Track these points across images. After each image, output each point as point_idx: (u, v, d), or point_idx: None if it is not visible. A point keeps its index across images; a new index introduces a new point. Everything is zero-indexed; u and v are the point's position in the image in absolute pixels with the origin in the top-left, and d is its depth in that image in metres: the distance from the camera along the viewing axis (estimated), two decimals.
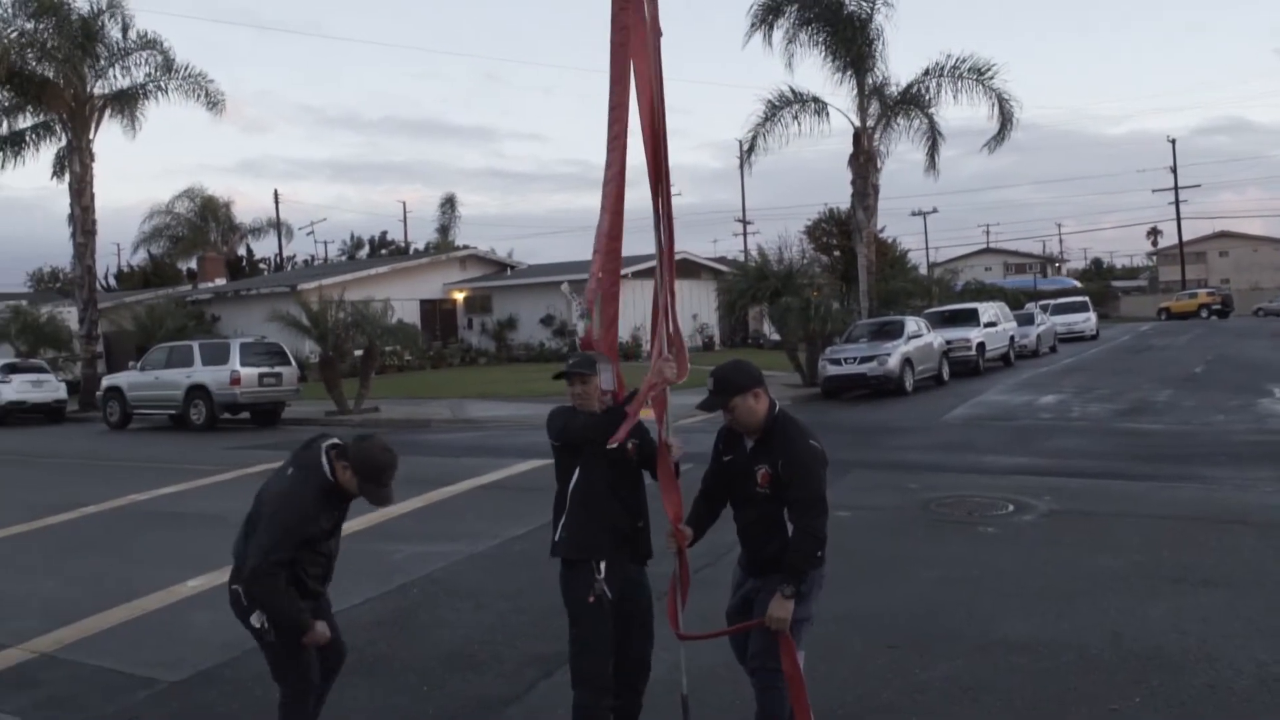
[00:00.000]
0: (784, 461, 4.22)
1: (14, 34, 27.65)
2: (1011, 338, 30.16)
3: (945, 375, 24.74)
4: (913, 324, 24.53)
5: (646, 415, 4.59)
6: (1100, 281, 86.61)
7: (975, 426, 16.77)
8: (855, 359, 22.44)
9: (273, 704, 5.46)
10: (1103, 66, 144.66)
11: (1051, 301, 46.01)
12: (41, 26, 28.24)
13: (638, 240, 4.99)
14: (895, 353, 22.41)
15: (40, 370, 27.73)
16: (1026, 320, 34.00)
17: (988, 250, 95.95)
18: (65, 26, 28.38)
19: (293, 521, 4.19)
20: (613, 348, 4.72)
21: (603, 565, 4.30)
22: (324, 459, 4.30)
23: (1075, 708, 4.93)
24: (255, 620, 4.27)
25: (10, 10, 27.88)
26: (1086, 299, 46.85)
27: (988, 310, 29.65)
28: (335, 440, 4.41)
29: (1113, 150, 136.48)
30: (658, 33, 4.66)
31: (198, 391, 22.34)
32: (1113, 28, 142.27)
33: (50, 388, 26.98)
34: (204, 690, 5.81)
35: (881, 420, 18.32)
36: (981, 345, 27.25)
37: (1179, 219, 69.21)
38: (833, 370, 22.64)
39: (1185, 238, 72.08)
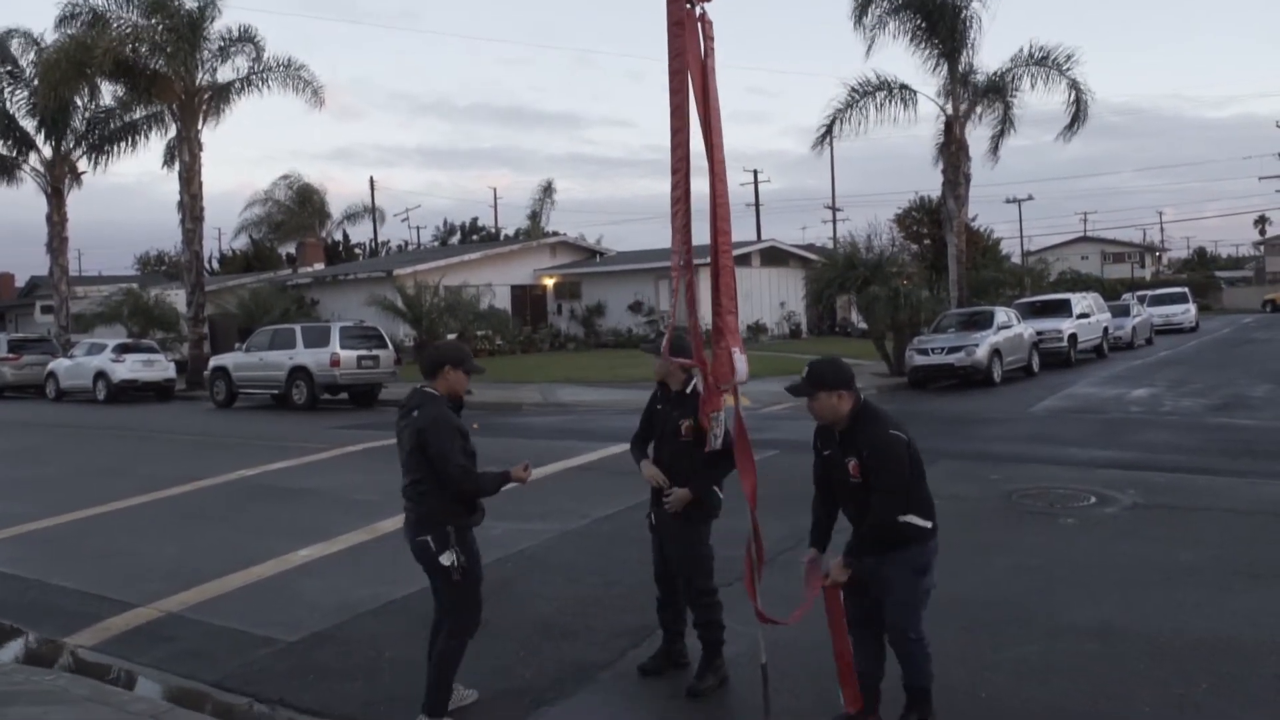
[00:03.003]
0: (868, 451, 4.52)
1: (127, 29, 28.94)
2: (1105, 329, 29.66)
3: (1035, 367, 24.50)
4: (1002, 314, 24.34)
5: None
6: (1203, 271, 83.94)
7: (1062, 419, 16.69)
8: (943, 349, 22.39)
9: (377, 663, 5.95)
10: (1205, 47, 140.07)
11: (1149, 293, 44.96)
12: (154, 22, 29.50)
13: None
14: (984, 343, 22.30)
15: (151, 350, 29.07)
16: (1122, 312, 33.37)
17: (1084, 239, 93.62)
18: (175, 21, 29.57)
19: (452, 429, 4.86)
20: (700, 357, 5.12)
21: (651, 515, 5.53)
22: (428, 390, 5.01)
23: (1142, 692, 5.12)
24: (446, 559, 4.85)
25: (126, 6, 29.22)
26: (1186, 290, 45.63)
27: (1081, 301, 29.21)
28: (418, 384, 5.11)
29: (1217, 134, 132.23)
30: (711, 51, 4.96)
31: (300, 373, 23.26)
32: (1217, 6, 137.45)
33: (160, 367, 28.28)
34: (319, 649, 6.31)
35: (967, 411, 18.31)
36: (1073, 337, 26.89)
37: None
38: (920, 360, 22.62)
39: None
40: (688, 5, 4.86)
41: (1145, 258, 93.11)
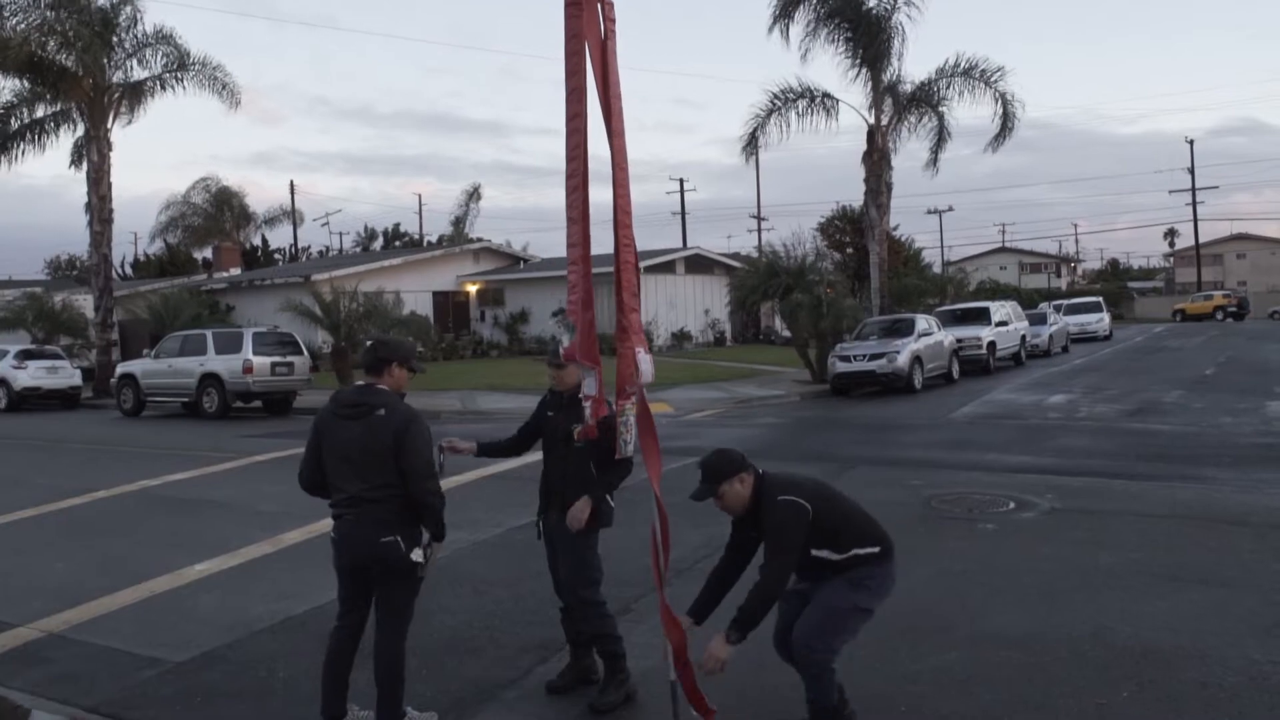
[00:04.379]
0: (767, 529, 4.40)
1: (36, 22, 27.86)
2: (1023, 337, 30.12)
3: (955, 374, 24.75)
4: (923, 322, 24.55)
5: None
6: (1116, 282, 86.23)
7: (981, 425, 16.80)
8: (865, 356, 22.48)
9: (270, 684, 5.59)
10: (1115, 66, 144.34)
11: (1065, 302, 45.92)
12: (63, 15, 28.45)
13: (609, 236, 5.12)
14: (905, 350, 22.44)
15: (56, 357, 28.00)
16: (1039, 320, 33.94)
17: (1003, 249, 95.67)
18: (85, 16, 28.57)
19: (429, 434, 4.72)
20: (593, 355, 4.87)
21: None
22: (382, 387, 4.77)
23: (1063, 701, 4.99)
24: (417, 555, 4.66)
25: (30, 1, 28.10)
26: (1100, 300, 46.74)
27: (999, 309, 29.63)
28: (360, 381, 4.89)
29: (1127, 150, 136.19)
30: (612, 33, 4.75)
31: (211, 380, 22.53)
32: (1125, 27, 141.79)
33: (65, 374, 27.25)
34: (208, 670, 5.92)
35: (889, 417, 18.36)
36: (992, 344, 27.22)
37: (1195, 220, 68.94)
38: (842, 367, 22.69)
39: (1202, 239, 71.76)
40: None
41: (1061, 268, 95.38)
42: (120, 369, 25.30)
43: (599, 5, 4.71)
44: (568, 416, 5.16)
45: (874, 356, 22.33)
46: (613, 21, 4.74)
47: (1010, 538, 8.56)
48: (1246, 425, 15.25)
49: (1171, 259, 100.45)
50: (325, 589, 4.82)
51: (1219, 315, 58.18)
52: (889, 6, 28.41)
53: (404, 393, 4.91)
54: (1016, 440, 14.69)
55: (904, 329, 23.71)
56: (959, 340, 25.70)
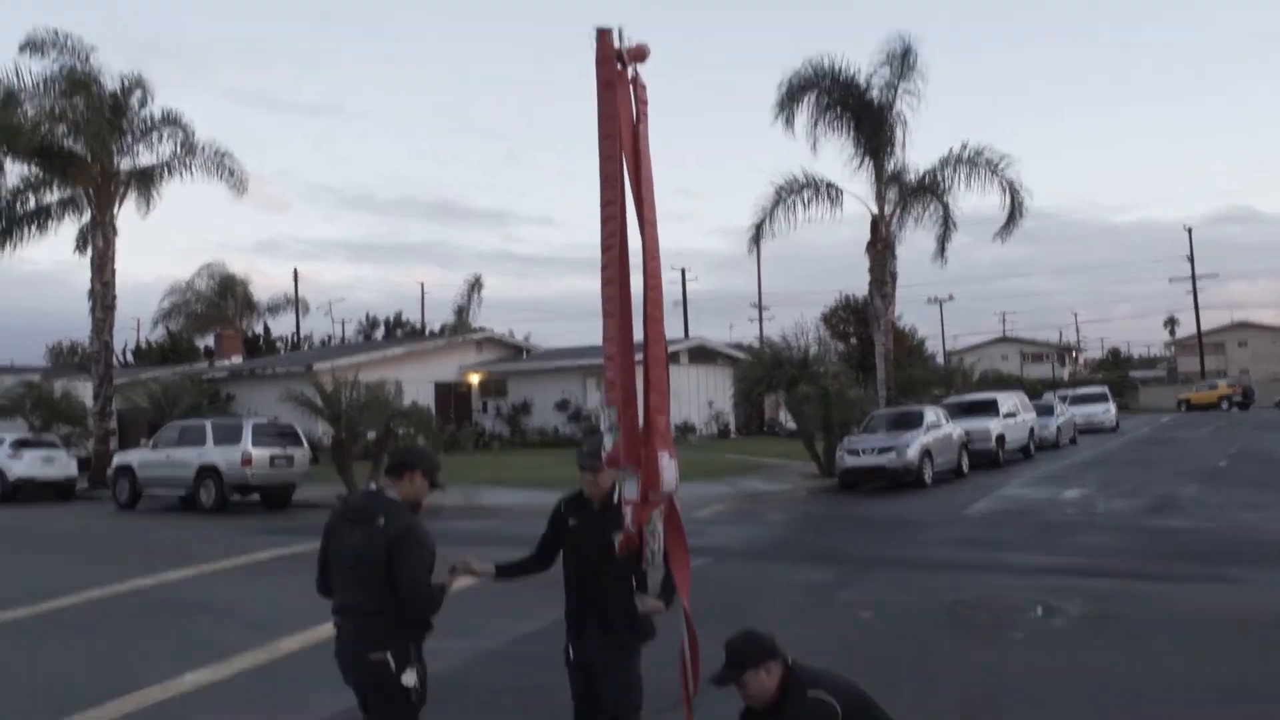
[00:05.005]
0: None
1: (47, 109, 28.12)
2: (1031, 429, 29.79)
3: (965, 467, 24.36)
4: (931, 414, 24.26)
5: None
6: (1118, 371, 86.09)
7: (998, 522, 16.41)
8: (873, 450, 22.12)
9: None
10: (1108, 155, 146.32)
11: (1070, 392, 45.67)
12: (74, 102, 28.71)
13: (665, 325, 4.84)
14: (914, 444, 22.10)
15: (52, 446, 27.63)
16: (1046, 411, 33.65)
17: (1004, 339, 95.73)
18: (96, 103, 28.84)
19: (427, 547, 4.40)
20: (636, 457, 4.51)
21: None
22: (390, 495, 4.53)
23: None
24: (409, 679, 4.34)
25: (43, 86, 28.39)
26: (1105, 390, 46.47)
27: (1007, 400, 29.35)
28: (373, 485, 4.70)
29: (1123, 239, 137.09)
30: (644, 116, 4.58)
31: (208, 472, 22.14)
32: (1116, 117, 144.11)
33: (61, 464, 26.85)
34: None
35: (901, 514, 17.96)
36: (1001, 437, 26.91)
37: (1197, 309, 69.02)
38: (851, 461, 22.32)
39: (1203, 327, 71.78)
40: (619, 66, 4.46)
41: (1064, 357, 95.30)
42: (117, 460, 24.92)
43: (632, 87, 4.52)
44: (599, 525, 4.73)
45: (883, 450, 21.98)
46: (645, 104, 4.56)
47: (1042, 649, 8.16)
48: (1268, 521, 14.88)
49: (1173, 347, 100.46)
50: (321, 706, 4.45)
51: (1224, 405, 57.82)
52: (890, 97, 28.72)
53: (419, 502, 4.64)
54: (1035, 539, 14.30)
55: (912, 421, 23.40)
56: (968, 433, 25.36)
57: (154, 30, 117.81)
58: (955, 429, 24.66)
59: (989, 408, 28.16)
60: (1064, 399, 40.16)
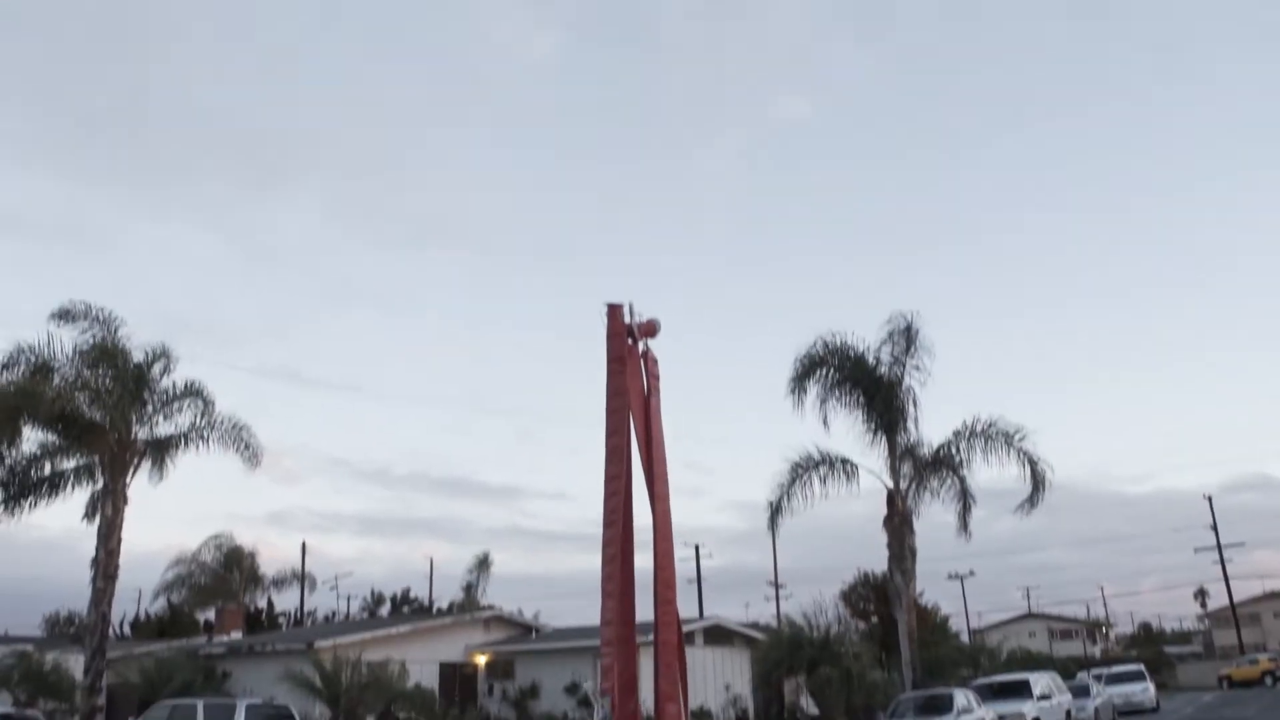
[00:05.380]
0: None
1: (72, 379, 28.53)
2: (1068, 712, 28.11)
3: None
4: (961, 698, 22.95)
5: None
6: (1152, 647, 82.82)
7: None
8: None
9: None
10: (1117, 424, 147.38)
11: (1105, 670, 43.62)
12: (98, 373, 29.18)
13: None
14: None
15: None
16: (1081, 691, 31.92)
17: (1030, 615, 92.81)
18: (121, 374, 29.29)
19: None
20: None
21: None
22: None
23: None
24: None
25: (72, 356, 28.96)
26: (1142, 667, 44.36)
27: (1040, 681, 27.84)
28: None
29: (1140, 509, 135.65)
30: (656, 390, 4.36)
31: None
32: (1125, 387, 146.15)
33: None
34: None
35: None
36: None
37: (1227, 580, 67.05)
38: None
39: (1235, 598, 69.53)
40: (629, 341, 4.28)
41: (1094, 634, 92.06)
42: None
43: (642, 361, 4.33)
44: None
45: None
46: (657, 379, 4.35)
47: None
48: None
49: (1206, 620, 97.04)
50: None
51: (1268, 680, 55.17)
52: (899, 373, 29.01)
53: None
54: None
55: (942, 706, 22.10)
56: (1001, 717, 23.89)
57: (185, 308, 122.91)
58: (988, 713, 23.26)
59: (1021, 689, 26.67)
60: (1099, 678, 38.25)
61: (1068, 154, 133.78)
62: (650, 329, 4.42)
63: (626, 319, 4.39)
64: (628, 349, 4.36)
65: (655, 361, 4.44)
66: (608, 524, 4.17)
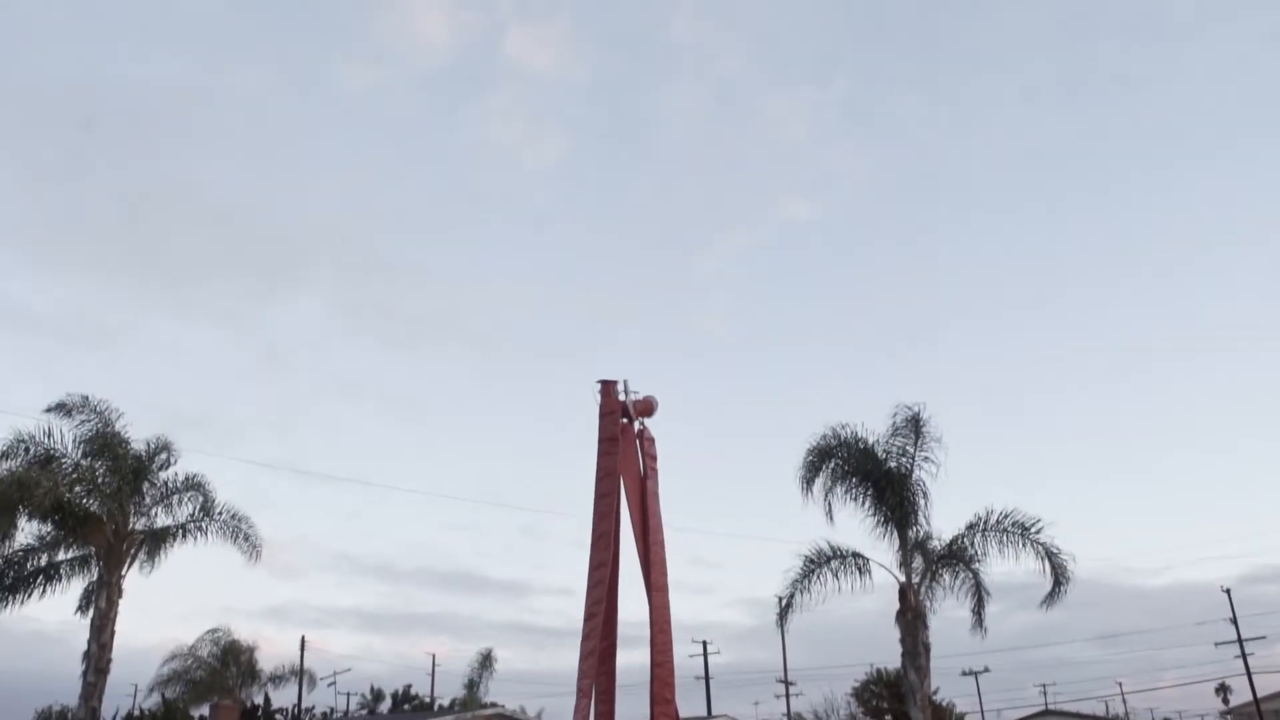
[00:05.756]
0: None
1: (70, 470, 28.19)
2: None
3: None
4: None
5: None
6: None
7: None
8: None
9: None
10: (1132, 518, 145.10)
11: None
12: (97, 464, 28.88)
13: None
14: None
15: None
16: None
17: (1047, 712, 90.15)
18: (119, 465, 28.99)
19: None
20: None
21: None
22: None
23: None
24: None
25: (71, 448, 28.68)
26: None
27: None
28: None
29: (1157, 603, 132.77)
30: (653, 473, 4.00)
31: None
32: (1138, 481, 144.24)
33: None
34: None
35: None
36: None
37: (1249, 674, 65.04)
38: None
39: (1259, 693, 67.39)
40: (624, 420, 3.93)
41: None
42: None
43: (637, 441, 3.98)
44: None
45: None
46: (654, 459, 4.01)
47: None
48: None
49: (1229, 716, 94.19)
50: None
51: None
52: (908, 465, 28.50)
53: None
54: None
55: None
56: None
57: (189, 402, 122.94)
58: None
59: None
60: None
61: (1058, 240, 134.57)
62: (647, 407, 4.10)
63: (621, 396, 4.05)
64: (621, 428, 4.02)
65: (652, 441, 4.09)
66: (588, 616, 3.80)
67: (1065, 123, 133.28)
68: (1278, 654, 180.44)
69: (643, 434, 3.65)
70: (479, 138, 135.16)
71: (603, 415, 3.61)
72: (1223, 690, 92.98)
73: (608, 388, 3.65)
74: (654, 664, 3.40)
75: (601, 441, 3.55)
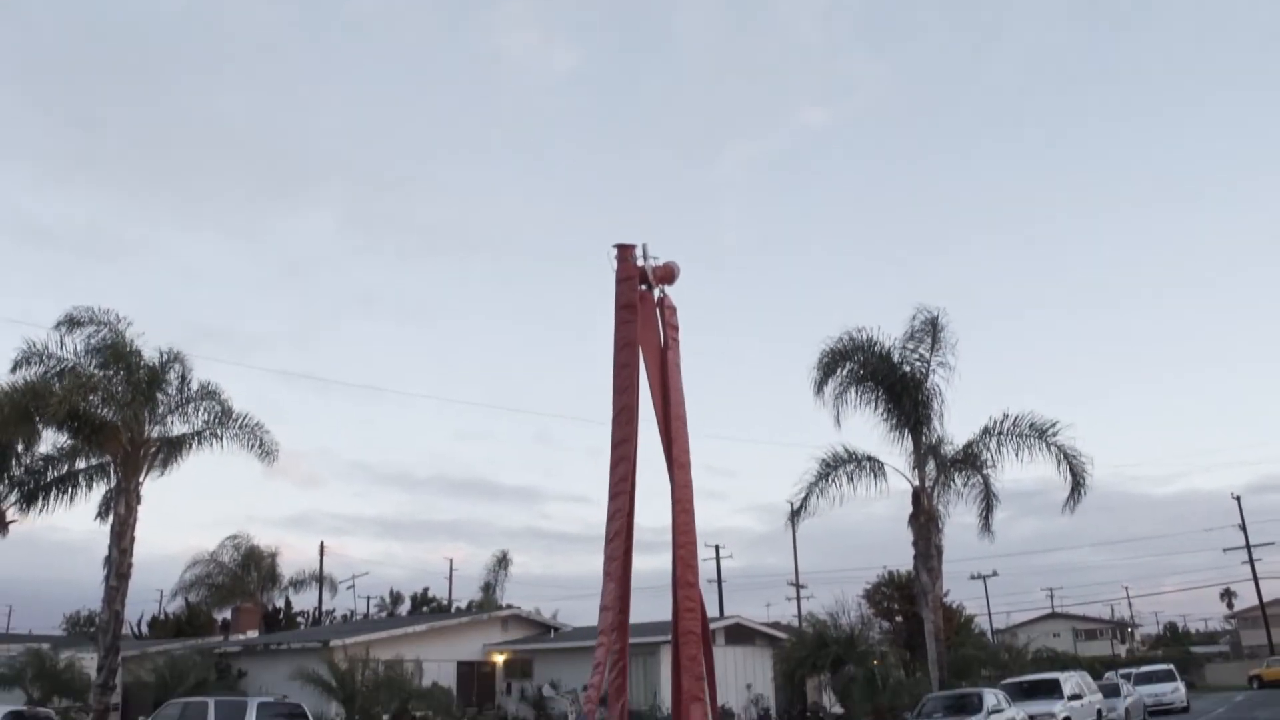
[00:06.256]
0: None
1: (83, 379, 28.21)
2: (1099, 712, 27.37)
3: None
4: (991, 697, 22.29)
5: None
6: (1179, 647, 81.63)
7: None
8: None
9: None
10: (1142, 427, 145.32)
11: (1134, 670, 42.78)
12: (111, 375, 28.92)
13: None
14: None
15: None
16: (1112, 691, 31.15)
17: (1054, 615, 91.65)
18: (133, 375, 29.04)
19: None
20: None
21: None
22: None
23: None
24: None
25: (82, 357, 28.69)
26: (1172, 667, 43.49)
27: (1070, 680, 27.10)
28: None
29: (1165, 511, 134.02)
30: (674, 344, 3.77)
31: None
32: (1148, 391, 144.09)
33: None
34: None
35: None
36: None
37: (1256, 579, 65.93)
38: None
39: (1265, 598, 68.27)
40: (642, 287, 3.69)
41: (1119, 634, 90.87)
42: None
43: (658, 310, 3.74)
44: None
45: None
46: (675, 329, 3.77)
47: None
48: None
49: (1234, 620, 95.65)
50: None
51: None
52: (924, 370, 28.29)
53: None
54: None
55: (971, 706, 21.44)
56: (1031, 717, 23.22)
57: (206, 316, 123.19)
58: (1018, 713, 22.61)
59: (1052, 689, 25.94)
60: (1128, 678, 37.43)
61: (1089, 153, 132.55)
62: (668, 273, 3.85)
63: (640, 261, 3.80)
64: (640, 296, 3.76)
65: (673, 310, 3.85)
66: (613, 495, 3.60)
67: (1086, 34, 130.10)
68: (1276, 561, 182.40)
69: (663, 302, 3.45)
70: (490, 48, 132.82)
71: (619, 281, 3.40)
72: (1227, 595, 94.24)
73: (624, 252, 3.44)
74: (676, 545, 3.27)
75: (619, 309, 3.35)
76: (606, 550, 3.65)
